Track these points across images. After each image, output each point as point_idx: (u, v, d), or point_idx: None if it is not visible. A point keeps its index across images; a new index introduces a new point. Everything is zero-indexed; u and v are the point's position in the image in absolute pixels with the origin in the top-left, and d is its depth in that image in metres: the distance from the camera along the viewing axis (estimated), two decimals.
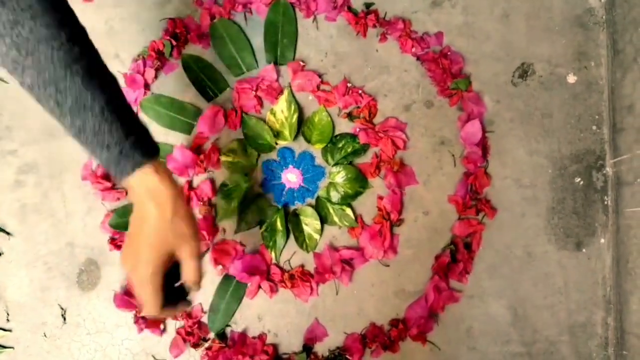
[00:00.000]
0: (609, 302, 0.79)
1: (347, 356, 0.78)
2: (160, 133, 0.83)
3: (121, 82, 0.84)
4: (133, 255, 0.48)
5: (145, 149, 0.47)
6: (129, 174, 0.46)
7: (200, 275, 0.50)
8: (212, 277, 0.80)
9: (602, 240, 0.80)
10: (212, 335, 0.80)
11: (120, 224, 0.80)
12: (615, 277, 0.79)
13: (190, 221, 0.49)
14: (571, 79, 0.82)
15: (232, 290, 0.80)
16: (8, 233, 0.83)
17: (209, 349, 0.79)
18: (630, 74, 0.77)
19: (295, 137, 0.81)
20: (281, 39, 0.83)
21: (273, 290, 0.79)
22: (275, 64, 0.83)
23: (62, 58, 0.43)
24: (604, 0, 0.83)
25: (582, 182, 0.80)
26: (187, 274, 0.50)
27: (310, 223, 0.80)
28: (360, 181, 0.80)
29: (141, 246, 0.47)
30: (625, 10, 0.78)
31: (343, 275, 0.78)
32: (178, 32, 0.84)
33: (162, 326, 0.80)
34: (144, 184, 0.47)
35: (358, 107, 0.82)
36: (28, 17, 0.41)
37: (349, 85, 0.82)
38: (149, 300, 0.48)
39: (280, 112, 0.81)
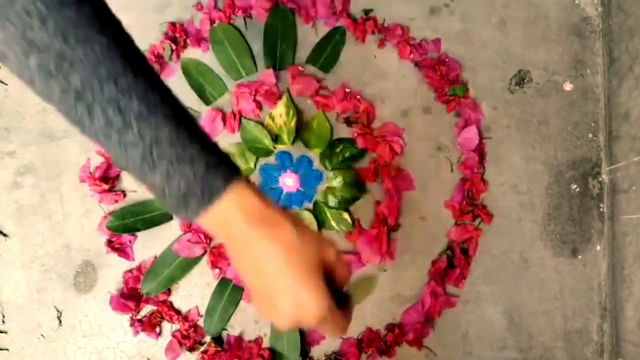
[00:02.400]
0: (604, 308, 0.79)
1: None
2: None
3: None
4: (291, 296, 0.37)
5: (229, 162, 0.38)
6: (220, 194, 0.36)
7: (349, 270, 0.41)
8: (209, 280, 0.80)
9: (598, 247, 0.80)
10: (208, 338, 0.80)
11: (117, 226, 0.80)
12: (610, 283, 0.79)
13: (308, 227, 0.39)
14: (568, 86, 0.83)
15: (228, 294, 0.80)
16: (5, 234, 0.83)
17: (205, 352, 0.79)
18: (626, 83, 0.77)
19: (294, 142, 0.82)
20: (280, 44, 0.84)
21: None
22: (275, 68, 0.84)
23: (115, 53, 0.36)
24: (601, 9, 0.84)
25: (578, 189, 0.81)
26: (342, 276, 0.41)
27: None
28: (357, 186, 0.80)
29: (298, 280, 0.37)
30: (621, 19, 0.79)
31: None
32: (178, 36, 0.84)
33: (158, 329, 0.80)
34: (239, 207, 0.37)
35: (356, 112, 0.82)
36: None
37: (347, 90, 0.82)
38: (338, 320, 0.39)
39: (278, 116, 0.82)
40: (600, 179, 0.81)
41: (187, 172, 0.36)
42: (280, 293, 0.37)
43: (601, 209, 0.81)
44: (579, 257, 0.80)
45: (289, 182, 0.81)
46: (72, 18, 0.35)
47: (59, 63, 0.35)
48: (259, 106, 0.83)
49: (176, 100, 0.38)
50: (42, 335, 0.81)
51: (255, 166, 0.82)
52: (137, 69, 0.37)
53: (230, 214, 0.37)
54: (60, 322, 0.81)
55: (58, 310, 0.82)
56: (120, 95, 0.35)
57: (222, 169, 0.37)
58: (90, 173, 0.82)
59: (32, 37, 0.34)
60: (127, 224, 0.81)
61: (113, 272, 0.82)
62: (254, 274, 0.38)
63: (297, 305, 0.37)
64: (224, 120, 0.82)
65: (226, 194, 0.37)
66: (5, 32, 0.34)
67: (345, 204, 0.80)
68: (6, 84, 0.86)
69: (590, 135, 0.82)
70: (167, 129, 0.36)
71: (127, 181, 0.83)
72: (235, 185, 0.37)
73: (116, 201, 0.82)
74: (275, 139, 0.82)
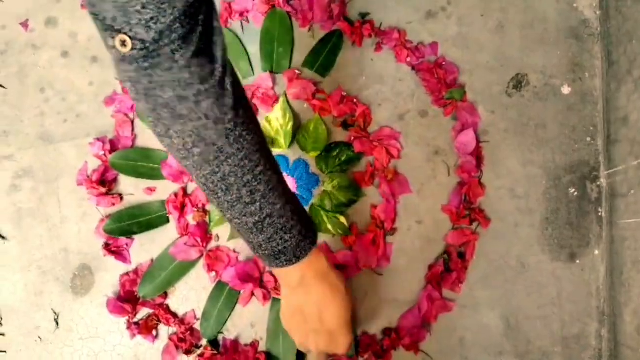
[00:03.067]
0: (602, 313, 0.79)
1: None
2: (156, 139, 0.83)
3: (118, 89, 0.85)
4: (331, 335, 0.54)
5: (314, 229, 0.53)
6: (307, 255, 0.51)
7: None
8: (205, 283, 0.80)
9: (596, 252, 0.80)
10: (204, 342, 0.80)
11: (114, 229, 0.81)
12: (609, 288, 0.78)
13: (349, 288, 0.57)
14: (566, 90, 0.82)
15: (225, 297, 0.80)
16: (3, 237, 0.83)
17: (201, 355, 0.79)
18: (624, 86, 0.77)
19: (290, 145, 0.82)
20: (277, 48, 0.84)
21: (266, 297, 0.79)
22: (271, 72, 0.84)
23: (264, 149, 0.46)
24: (599, 12, 0.83)
25: (576, 193, 0.80)
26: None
27: None
28: (354, 190, 0.80)
29: (340, 325, 0.54)
30: (619, 22, 0.79)
31: None
32: None
33: (154, 332, 0.80)
34: (314, 267, 0.52)
35: (353, 116, 0.82)
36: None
37: (344, 94, 0.82)
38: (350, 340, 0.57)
39: (275, 119, 0.82)
40: (598, 183, 0.80)
41: (286, 238, 0.48)
42: (327, 330, 0.54)
43: (599, 214, 0.80)
44: (577, 261, 0.79)
45: None
46: (235, 121, 0.42)
47: (218, 155, 0.43)
48: (256, 109, 0.83)
49: (284, 179, 0.49)
50: (39, 337, 0.82)
51: None
52: (267, 159, 0.46)
53: (305, 271, 0.51)
54: (57, 324, 0.82)
55: (55, 313, 0.82)
56: (253, 181, 0.45)
57: (309, 237, 0.51)
58: (88, 176, 0.83)
59: (205, 134, 0.41)
60: (124, 227, 0.81)
61: (110, 275, 0.82)
62: (310, 312, 0.53)
63: (332, 342, 0.54)
64: None
65: (309, 255, 0.51)
66: (184, 127, 0.41)
67: (341, 208, 0.80)
68: (5, 88, 0.86)
69: (589, 139, 0.81)
70: (279, 206, 0.47)
71: (124, 184, 0.84)
72: (315, 248, 0.52)
73: (113, 204, 0.82)
74: (272, 142, 0.82)
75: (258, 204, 0.46)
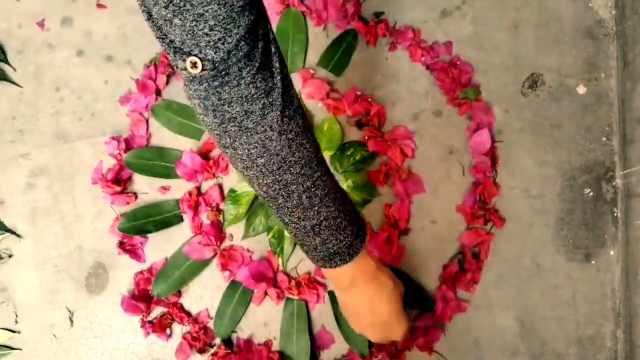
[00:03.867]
0: (618, 314, 0.78)
1: None
2: (170, 138, 0.84)
3: (133, 88, 0.85)
4: (388, 323, 0.59)
5: (364, 226, 0.55)
6: (358, 253, 0.53)
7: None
8: (219, 283, 0.81)
9: (612, 252, 0.79)
10: (218, 341, 0.80)
11: (129, 228, 0.81)
12: (624, 289, 0.78)
13: (396, 278, 0.61)
14: (581, 90, 0.82)
15: (238, 296, 0.80)
16: (19, 235, 0.84)
17: (214, 354, 0.79)
18: None
19: None
20: (291, 47, 0.84)
21: (279, 297, 0.79)
22: None
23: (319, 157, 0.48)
24: (614, 12, 0.83)
25: (591, 194, 0.80)
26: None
27: None
28: (368, 189, 0.80)
29: (394, 315, 0.59)
30: (635, 22, 0.78)
31: None
32: None
33: (168, 331, 0.80)
34: (363, 268, 0.54)
35: (367, 115, 0.82)
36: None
37: (358, 93, 0.82)
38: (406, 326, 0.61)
39: None
40: (614, 183, 0.80)
41: (340, 239, 0.50)
42: (381, 322, 0.58)
43: (615, 214, 0.80)
44: (592, 262, 0.79)
45: None
46: (296, 131, 0.43)
47: (281, 165, 0.44)
48: None
49: (336, 180, 0.51)
50: (54, 335, 0.82)
51: None
52: (323, 164, 0.48)
53: (355, 273, 0.54)
54: (72, 322, 0.82)
55: (70, 311, 0.82)
56: (312, 187, 0.46)
57: (360, 235, 0.52)
58: (103, 175, 0.83)
59: (269, 145, 0.43)
60: (138, 225, 0.81)
61: (124, 273, 0.82)
62: (362, 309, 0.57)
63: (390, 330, 0.59)
64: None
65: (359, 255, 0.52)
66: (250, 139, 0.42)
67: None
68: (21, 87, 0.87)
69: (604, 139, 0.81)
70: (334, 208, 0.48)
71: (139, 183, 0.84)
72: (364, 247, 0.53)
73: (128, 203, 0.83)
74: None
75: (316, 208, 0.47)
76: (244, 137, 0.42)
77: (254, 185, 0.47)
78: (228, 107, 0.40)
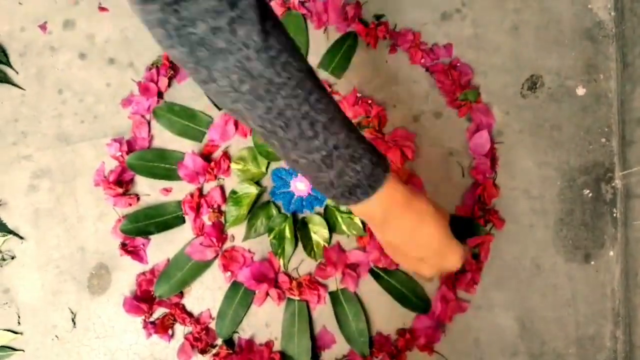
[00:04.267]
0: (617, 315, 0.78)
1: None
2: (172, 140, 0.84)
3: (135, 90, 0.86)
4: (440, 253, 0.52)
5: (384, 157, 0.48)
6: (382, 184, 0.47)
7: None
8: (221, 283, 0.81)
9: (611, 253, 0.80)
10: (219, 341, 0.80)
11: (131, 229, 0.81)
12: (624, 290, 0.78)
13: (435, 202, 0.53)
14: (580, 91, 0.82)
15: (240, 297, 0.80)
16: (21, 237, 0.84)
17: (216, 355, 0.79)
18: (639, 87, 0.77)
19: None
20: None
21: (281, 297, 0.80)
22: None
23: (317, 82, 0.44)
24: (614, 13, 0.83)
25: (591, 194, 0.80)
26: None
27: (318, 231, 0.80)
28: None
29: (443, 243, 0.51)
30: (634, 23, 0.79)
31: (349, 278, 0.78)
32: None
33: (170, 332, 0.81)
34: (393, 199, 0.48)
35: (367, 117, 0.82)
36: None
37: (358, 95, 0.83)
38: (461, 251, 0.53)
39: None
40: (613, 184, 0.80)
41: (357, 169, 0.45)
42: (432, 253, 0.51)
43: (614, 215, 0.80)
44: (592, 263, 0.79)
45: (300, 186, 0.82)
46: (277, 48, 0.40)
47: (268, 88, 0.40)
48: None
49: (340, 107, 0.46)
50: (56, 336, 0.82)
51: (267, 170, 0.83)
52: (319, 87, 0.43)
53: (386, 206, 0.48)
54: (74, 323, 0.83)
55: (72, 312, 0.83)
56: (312, 111, 0.42)
57: (381, 164, 0.47)
58: (105, 177, 0.84)
59: (249, 67, 0.39)
60: (140, 227, 0.82)
61: (126, 274, 0.83)
62: (405, 243, 0.51)
63: (444, 259, 0.52)
64: (236, 124, 0.83)
65: (384, 184, 0.47)
66: (226, 63, 0.38)
67: None
68: (24, 89, 0.87)
69: (604, 140, 0.81)
70: (343, 135, 0.44)
71: (141, 185, 0.84)
72: (389, 176, 0.47)
73: (130, 204, 0.83)
74: None
75: (322, 135, 0.43)
76: (220, 62, 0.39)
77: (249, 121, 0.44)
78: (192, 27, 0.37)
